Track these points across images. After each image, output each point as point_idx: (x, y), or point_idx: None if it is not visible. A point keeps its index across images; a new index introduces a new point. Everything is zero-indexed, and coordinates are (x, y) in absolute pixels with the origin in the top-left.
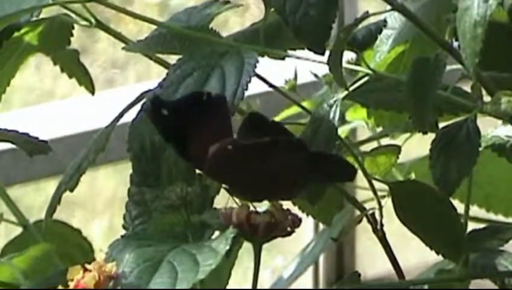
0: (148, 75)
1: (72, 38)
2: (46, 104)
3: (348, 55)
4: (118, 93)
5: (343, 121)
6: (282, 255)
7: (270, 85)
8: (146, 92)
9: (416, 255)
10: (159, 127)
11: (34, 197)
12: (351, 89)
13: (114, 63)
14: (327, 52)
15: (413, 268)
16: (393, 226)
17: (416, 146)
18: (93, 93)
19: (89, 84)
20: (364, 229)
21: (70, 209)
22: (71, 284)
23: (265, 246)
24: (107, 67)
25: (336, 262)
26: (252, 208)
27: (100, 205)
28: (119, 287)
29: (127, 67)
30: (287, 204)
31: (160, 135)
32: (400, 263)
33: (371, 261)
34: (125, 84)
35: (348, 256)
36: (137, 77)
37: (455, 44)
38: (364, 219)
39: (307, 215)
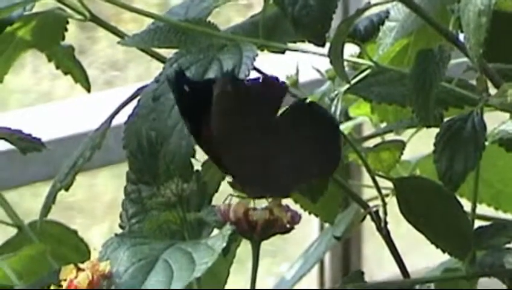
0: (148, 77)
1: (70, 39)
2: (44, 105)
3: (352, 49)
4: (116, 94)
5: (347, 117)
6: (287, 262)
7: None
8: (141, 88)
9: (426, 259)
10: (178, 101)
11: (31, 202)
12: (352, 82)
13: (113, 64)
14: (328, 45)
15: (422, 272)
16: (402, 230)
17: (424, 144)
18: (89, 90)
19: (84, 81)
20: (371, 232)
21: (70, 215)
22: (64, 284)
23: (270, 252)
24: (106, 69)
25: (342, 266)
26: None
27: (100, 210)
28: (113, 287)
29: (127, 68)
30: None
31: (179, 109)
32: (409, 266)
33: (378, 264)
34: (124, 86)
35: (354, 260)
36: (136, 79)
37: (461, 35)
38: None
39: (309, 213)
